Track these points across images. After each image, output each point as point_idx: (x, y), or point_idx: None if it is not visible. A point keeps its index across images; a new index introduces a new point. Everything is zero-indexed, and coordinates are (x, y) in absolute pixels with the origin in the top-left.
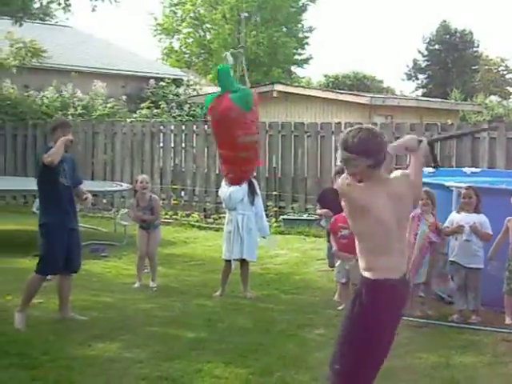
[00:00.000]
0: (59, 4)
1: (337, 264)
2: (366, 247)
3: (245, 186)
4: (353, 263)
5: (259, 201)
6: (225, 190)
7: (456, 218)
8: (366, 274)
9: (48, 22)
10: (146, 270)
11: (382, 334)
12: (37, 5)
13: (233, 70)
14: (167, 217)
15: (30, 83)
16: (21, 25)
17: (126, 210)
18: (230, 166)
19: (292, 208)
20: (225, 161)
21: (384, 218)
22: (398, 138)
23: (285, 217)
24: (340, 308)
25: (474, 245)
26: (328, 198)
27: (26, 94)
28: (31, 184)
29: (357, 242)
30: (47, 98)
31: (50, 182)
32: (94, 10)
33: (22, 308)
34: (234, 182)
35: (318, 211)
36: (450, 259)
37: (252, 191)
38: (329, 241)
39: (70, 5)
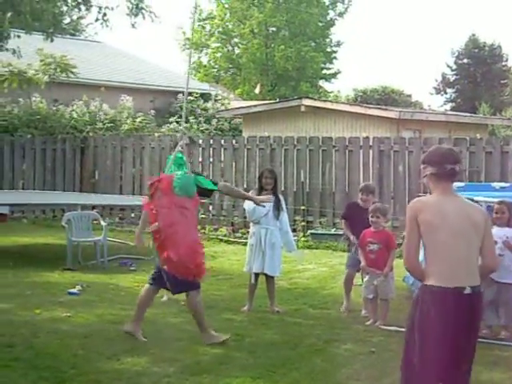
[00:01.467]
0: (97, 20)
1: (365, 279)
2: None
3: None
4: (381, 279)
5: (284, 216)
6: (250, 202)
7: None
8: None
9: (78, 37)
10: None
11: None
12: (67, 20)
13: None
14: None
15: (59, 98)
16: (52, 40)
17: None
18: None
19: (320, 222)
20: None
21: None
22: (426, 152)
23: (313, 231)
24: (368, 323)
25: (507, 259)
26: (353, 213)
27: (54, 108)
28: (60, 198)
29: None
30: (76, 112)
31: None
32: (133, 26)
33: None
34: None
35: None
36: None
37: (277, 206)
38: (349, 250)
39: (107, 20)
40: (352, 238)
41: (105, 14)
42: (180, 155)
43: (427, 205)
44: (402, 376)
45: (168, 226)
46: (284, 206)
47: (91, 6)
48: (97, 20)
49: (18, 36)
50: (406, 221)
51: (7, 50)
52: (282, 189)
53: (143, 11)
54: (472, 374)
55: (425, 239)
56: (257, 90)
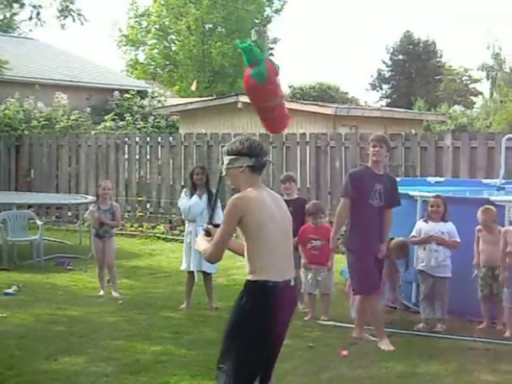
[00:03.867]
0: (31, 18)
1: (308, 276)
2: None
3: (204, 198)
4: (325, 274)
5: (219, 211)
6: (184, 201)
7: (424, 227)
8: None
9: (11, 35)
10: (110, 283)
11: None
12: (0, 17)
13: (255, 44)
14: (133, 229)
15: None
16: None
17: (91, 208)
18: (263, 123)
19: None
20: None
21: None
22: (362, 148)
23: None
24: (306, 318)
25: (442, 254)
26: None
27: None
28: None
29: None
30: (9, 109)
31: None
32: (63, 28)
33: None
34: (273, 130)
35: None
36: (418, 268)
37: (211, 201)
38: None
39: (40, 19)
40: None
41: (38, 13)
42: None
43: (252, 201)
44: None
45: None
46: (218, 203)
47: (24, 4)
48: (31, 18)
49: None
50: (225, 213)
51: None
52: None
53: (72, 13)
54: (409, 366)
55: (254, 235)
56: (193, 87)
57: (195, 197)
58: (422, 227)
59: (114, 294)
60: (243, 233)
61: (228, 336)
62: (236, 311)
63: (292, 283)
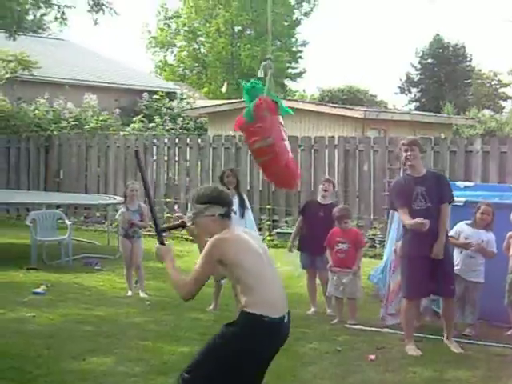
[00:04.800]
0: (56, 18)
1: (334, 279)
2: None
3: (235, 201)
4: (350, 277)
5: (249, 214)
6: None
7: (466, 230)
8: None
9: (42, 36)
10: (137, 284)
11: None
12: (30, 17)
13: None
14: None
15: (23, 96)
16: (14, 39)
17: (123, 209)
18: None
19: (285, 221)
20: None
21: None
22: (391, 151)
23: (278, 230)
24: (333, 322)
25: (478, 260)
26: (311, 211)
27: (18, 106)
28: (25, 197)
29: None
30: (39, 110)
31: None
32: (96, 23)
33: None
34: (280, 185)
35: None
36: None
37: (242, 205)
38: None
39: (66, 18)
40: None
41: (63, 13)
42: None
43: (231, 244)
44: None
45: None
46: (248, 204)
47: (51, 4)
48: (56, 19)
49: None
50: (204, 253)
51: None
52: (248, 188)
53: (104, 7)
54: (436, 372)
55: (242, 275)
56: (223, 89)
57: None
58: (463, 230)
59: (142, 294)
60: (230, 274)
61: (205, 354)
62: (223, 335)
63: (286, 320)
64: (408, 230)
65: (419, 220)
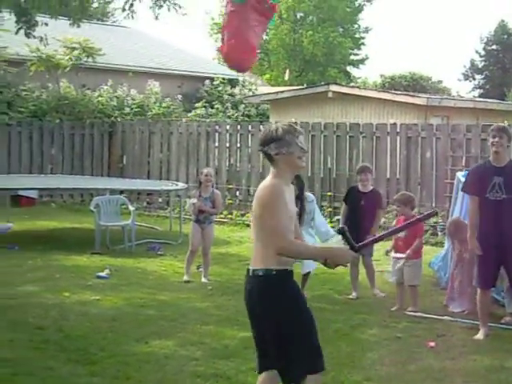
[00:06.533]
0: (123, 10)
1: (394, 266)
2: None
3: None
4: (407, 263)
5: (318, 218)
6: None
7: None
8: None
9: (105, 23)
10: (200, 269)
11: None
12: (95, 4)
13: None
14: (222, 216)
15: (87, 83)
16: (79, 26)
17: (193, 200)
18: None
19: None
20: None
21: None
22: (454, 139)
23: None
24: (394, 309)
25: None
26: (353, 198)
27: (82, 93)
28: (89, 183)
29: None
30: (102, 97)
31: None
32: (157, 18)
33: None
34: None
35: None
36: None
37: (299, 194)
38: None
39: (134, 11)
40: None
41: (131, 5)
42: None
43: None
44: None
45: None
46: (319, 214)
47: None
48: (123, 10)
49: (46, 24)
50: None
51: (35, 37)
52: (309, 175)
53: (168, 3)
54: (496, 360)
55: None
56: (286, 76)
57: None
58: None
59: (204, 279)
60: None
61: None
62: None
63: (250, 273)
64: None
65: (476, 245)
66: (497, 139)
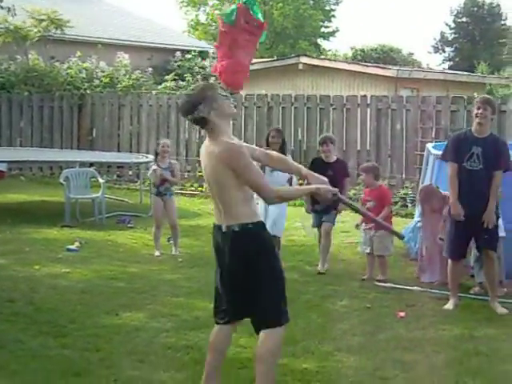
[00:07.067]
0: None
1: (363, 236)
2: None
3: None
4: (379, 235)
5: (293, 179)
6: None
7: None
8: None
9: None
10: (170, 241)
11: None
12: None
13: None
14: (193, 188)
15: (56, 55)
16: None
17: (154, 167)
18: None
19: None
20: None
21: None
22: (423, 111)
23: None
24: (364, 278)
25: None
26: (315, 168)
27: (51, 65)
28: (58, 155)
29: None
30: (71, 69)
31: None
32: None
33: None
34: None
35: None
36: None
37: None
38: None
39: None
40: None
41: None
42: None
43: None
44: None
45: None
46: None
47: None
48: None
49: None
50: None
51: (2, 8)
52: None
53: None
54: (466, 329)
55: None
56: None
57: None
58: None
59: (174, 252)
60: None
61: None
62: None
63: (217, 229)
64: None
65: (459, 211)
66: (481, 111)
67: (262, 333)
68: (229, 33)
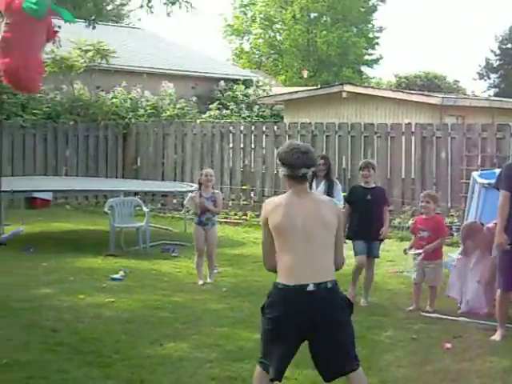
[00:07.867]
0: (141, 6)
1: (415, 266)
2: None
3: (321, 187)
4: (432, 266)
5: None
6: None
7: None
8: None
9: (119, 24)
10: (215, 271)
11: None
12: (109, 7)
13: None
14: (237, 217)
15: (101, 85)
16: (94, 27)
17: (192, 194)
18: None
19: None
20: None
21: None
22: (469, 138)
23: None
24: (410, 309)
25: None
26: (358, 196)
27: (96, 95)
28: (103, 184)
29: None
30: (116, 98)
31: None
32: (168, 15)
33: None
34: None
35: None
36: None
37: (328, 192)
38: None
39: (152, 6)
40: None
41: (149, 0)
42: None
43: (276, 207)
44: None
45: None
46: (339, 194)
47: None
48: (141, 6)
49: (59, 26)
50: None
51: (48, 39)
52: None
53: (180, 0)
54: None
55: (275, 239)
56: (305, 75)
57: (313, 187)
58: None
59: (209, 280)
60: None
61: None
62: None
63: (310, 288)
64: (507, 218)
65: (504, 240)
66: None
67: (354, 374)
68: (29, 24)
